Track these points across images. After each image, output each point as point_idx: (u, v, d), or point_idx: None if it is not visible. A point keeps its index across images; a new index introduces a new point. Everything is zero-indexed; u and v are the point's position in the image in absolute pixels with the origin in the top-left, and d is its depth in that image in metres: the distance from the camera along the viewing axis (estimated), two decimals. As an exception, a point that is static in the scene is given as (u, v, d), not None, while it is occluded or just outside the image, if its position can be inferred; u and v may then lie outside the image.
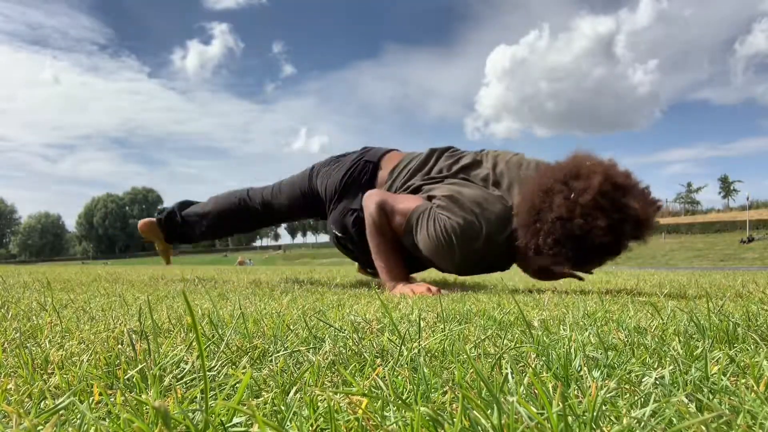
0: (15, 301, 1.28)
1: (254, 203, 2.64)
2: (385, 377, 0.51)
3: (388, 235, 2.04)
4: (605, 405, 0.42)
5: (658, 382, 0.49)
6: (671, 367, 0.54)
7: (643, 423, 0.38)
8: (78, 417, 0.40)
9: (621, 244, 1.68)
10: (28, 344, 0.68)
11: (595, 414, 0.38)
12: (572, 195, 1.66)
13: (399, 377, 0.53)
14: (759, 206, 48.27)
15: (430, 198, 2.00)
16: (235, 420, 0.39)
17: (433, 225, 1.90)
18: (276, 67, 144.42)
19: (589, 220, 1.63)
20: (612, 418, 0.40)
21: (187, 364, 0.56)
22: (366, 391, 0.45)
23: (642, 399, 0.45)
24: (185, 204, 2.81)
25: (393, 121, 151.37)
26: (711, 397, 0.45)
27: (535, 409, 0.37)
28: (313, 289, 1.94)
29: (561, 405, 0.35)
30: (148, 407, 0.40)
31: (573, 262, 1.73)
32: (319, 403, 0.44)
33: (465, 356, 0.61)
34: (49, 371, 0.56)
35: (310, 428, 0.39)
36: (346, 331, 0.75)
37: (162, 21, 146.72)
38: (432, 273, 3.31)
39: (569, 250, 1.67)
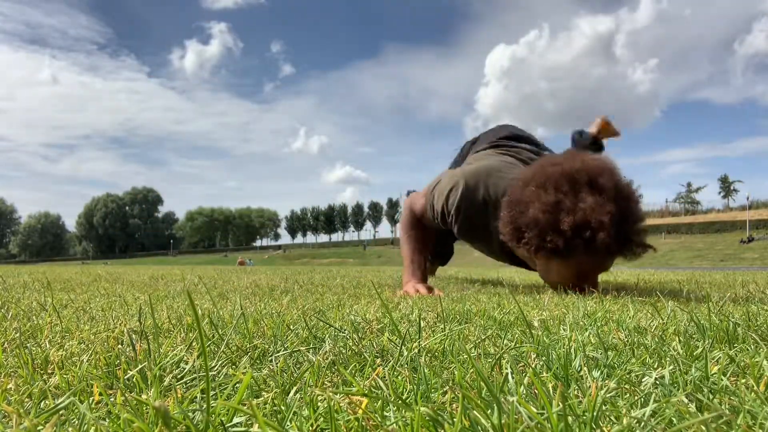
0: (15, 301, 1.28)
1: None
2: (385, 377, 0.51)
3: (414, 232, 2.04)
4: (605, 405, 0.42)
5: (658, 382, 0.49)
6: (671, 367, 0.54)
7: (643, 423, 0.38)
8: (78, 417, 0.40)
9: (561, 235, 1.44)
10: (28, 344, 0.68)
11: (595, 414, 0.38)
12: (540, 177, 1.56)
13: (399, 377, 0.53)
14: (759, 206, 48.27)
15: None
16: (236, 420, 0.39)
17: (439, 182, 1.87)
18: (275, 66, 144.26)
19: (538, 192, 1.50)
20: (612, 418, 0.40)
21: (187, 364, 0.56)
22: (366, 391, 0.45)
23: (642, 399, 0.45)
24: None
25: (393, 121, 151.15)
26: (711, 397, 0.45)
27: (535, 409, 0.37)
28: (313, 289, 1.94)
29: (561, 405, 0.35)
30: (148, 407, 0.40)
31: (529, 246, 1.55)
32: (319, 403, 0.44)
33: (465, 356, 0.61)
34: (49, 371, 0.56)
35: (310, 428, 0.39)
36: (346, 331, 0.75)
37: (161, 20, 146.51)
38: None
39: (515, 219, 1.54)
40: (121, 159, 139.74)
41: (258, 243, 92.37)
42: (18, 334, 0.73)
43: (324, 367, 0.57)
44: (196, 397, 0.46)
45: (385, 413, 0.41)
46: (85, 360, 0.57)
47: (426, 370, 0.51)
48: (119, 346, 0.66)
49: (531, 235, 1.52)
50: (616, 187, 1.51)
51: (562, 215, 1.46)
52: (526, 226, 1.52)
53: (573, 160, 1.57)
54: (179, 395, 0.46)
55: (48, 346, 0.67)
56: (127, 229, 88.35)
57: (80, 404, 0.40)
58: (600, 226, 1.42)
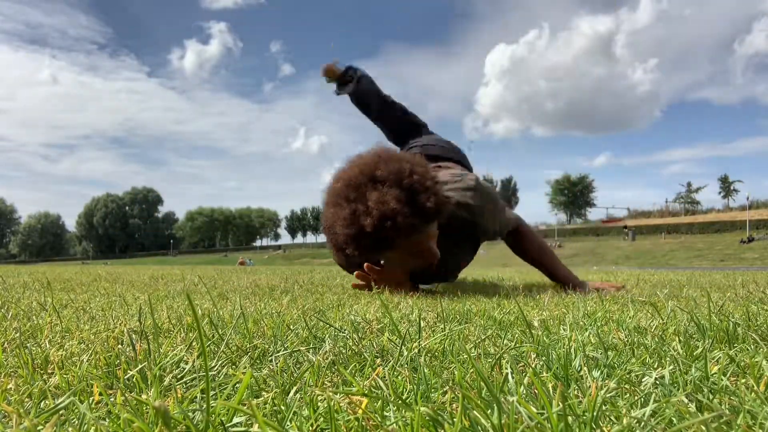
0: (15, 301, 1.28)
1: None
2: (385, 377, 0.51)
3: None
4: (605, 405, 0.42)
5: (658, 382, 0.49)
6: (671, 367, 0.54)
7: (643, 423, 0.38)
8: (78, 417, 0.40)
9: (370, 237, 1.57)
10: (28, 344, 0.68)
11: (595, 414, 0.38)
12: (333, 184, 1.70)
13: (399, 377, 0.53)
14: (759, 206, 48.27)
15: None
16: (236, 420, 0.39)
17: None
18: (275, 66, 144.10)
19: (335, 211, 1.63)
20: (612, 418, 0.40)
21: (187, 364, 0.56)
22: (366, 391, 0.45)
23: (642, 399, 0.45)
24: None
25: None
26: (711, 397, 0.45)
27: (535, 409, 0.37)
28: (313, 289, 1.94)
29: (561, 405, 0.35)
30: (148, 407, 0.40)
31: (356, 258, 1.67)
32: (319, 403, 0.44)
33: (465, 356, 0.61)
34: (49, 371, 0.56)
35: (310, 428, 0.39)
36: (346, 331, 0.75)
37: (161, 20, 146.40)
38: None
39: (335, 242, 1.66)
40: (121, 159, 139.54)
41: (258, 243, 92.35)
42: (18, 334, 0.73)
43: (324, 367, 0.57)
44: (196, 397, 0.46)
45: (385, 413, 0.41)
46: (85, 360, 0.57)
47: (426, 370, 0.51)
48: (119, 346, 0.66)
49: (352, 249, 1.64)
50: (394, 171, 1.63)
51: (362, 220, 1.58)
52: (344, 243, 1.64)
53: (352, 166, 1.70)
54: (179, 395, 0.46)
55: (48, 346, 0.67)
56: (127, 229, 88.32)
57: (80, 404, 0.40)
58: (393, 213, 1.55)
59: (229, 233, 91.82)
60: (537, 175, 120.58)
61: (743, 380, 0.51)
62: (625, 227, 41.31)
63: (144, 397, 0.45)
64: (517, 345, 0.68)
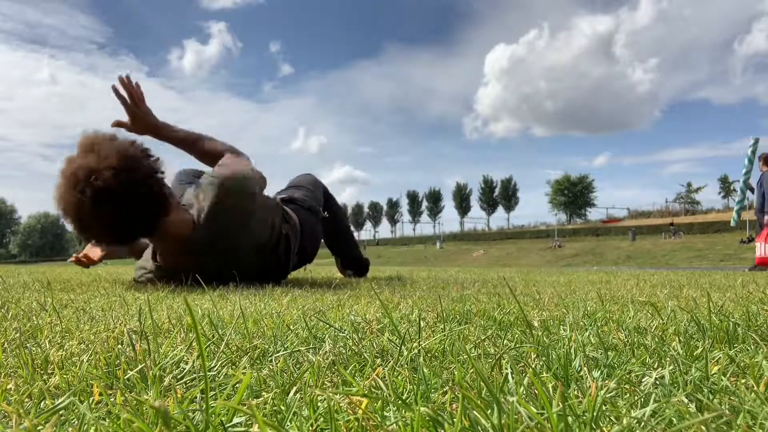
0: (15, 301, 1.28)
1: None
2: (385, 377, 0.51)
3: None
4: (605, 405, 0.42)
5: (658, 382, 0.49)
6: (671, 367, 0.54)
7: (643, 423, 0.38)
8: (78, 417, 0.40)
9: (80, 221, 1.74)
10: (28, 344, 0.68)
11: (595, 414, 0.38)
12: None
13: (399, 377, 0.53)
14: (759, 206, 48.13)
15: None
16: (235, 420, 0.39)
17: None
18: (274, 66, 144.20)
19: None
20: (612, 418, 0.40)
21: (187, 364, 0.56)
22: (366, 391, 0.45)
23: (642, 399, 0.45)
24: None
25: (392, 120, 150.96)
26: (711, 397, 0.45)
27: (535, 409, 0.37)
28: (312, 289, 1.94)
29: (561, 405, 0.35)
30: (148, 407, 0.40)
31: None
32: (319, 403, 0.44)
33: (465, 356, 0.61)
34: (49, 371, 0.56)
35: (310, 428, 0.39)
36: (346, 331, 0.75)
37: (160, 20, 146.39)
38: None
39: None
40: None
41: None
42: (18, 334, 0.73)
43: (324, 367, 0.57)
44: (196, 397, 0.46)
45: (385, 413, 0.41)
46: (85, 360, 0.57)
47: (426, 370, 0.51)
48: (119, 346, 0.66)
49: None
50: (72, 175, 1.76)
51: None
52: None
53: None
54: (179, 395, 0.46)
55: (48, 346, 0.67)
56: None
57: (80, 404, 0.40)
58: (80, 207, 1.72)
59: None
60: (537, 175, 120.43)
61: (743, 380, 0.51)
62: (672, 224, 41.00)
63: (144, 397, 0.45)
64: (517, 345, 0.68)
